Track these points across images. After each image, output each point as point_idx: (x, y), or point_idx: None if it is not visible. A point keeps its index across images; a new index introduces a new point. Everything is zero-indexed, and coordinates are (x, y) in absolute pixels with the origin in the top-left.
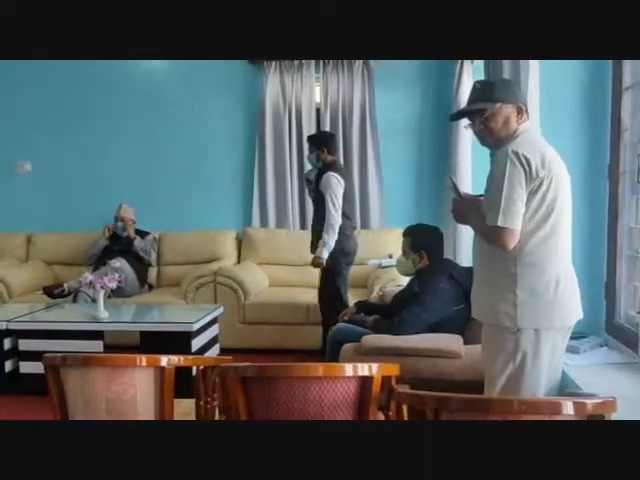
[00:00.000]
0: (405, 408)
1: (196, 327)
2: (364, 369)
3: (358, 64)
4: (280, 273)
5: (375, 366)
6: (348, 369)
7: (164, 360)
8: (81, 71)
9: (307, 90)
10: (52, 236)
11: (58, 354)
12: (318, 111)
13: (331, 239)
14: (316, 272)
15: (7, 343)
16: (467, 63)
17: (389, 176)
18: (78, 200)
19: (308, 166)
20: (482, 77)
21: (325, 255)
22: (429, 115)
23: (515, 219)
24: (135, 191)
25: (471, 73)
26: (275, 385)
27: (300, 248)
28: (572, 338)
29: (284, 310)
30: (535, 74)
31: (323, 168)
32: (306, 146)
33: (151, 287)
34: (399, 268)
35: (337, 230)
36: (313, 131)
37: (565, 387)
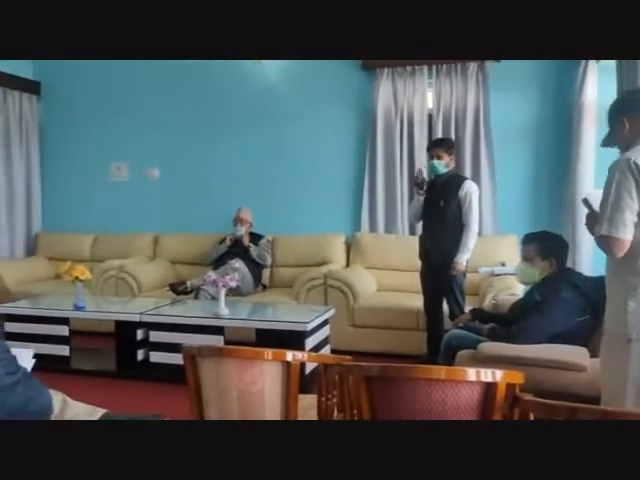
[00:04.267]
0: (532, 417)
1: (310, 327)
2: (487, 375)
3: (472, 67)
4: (388, 278)
5: (499, 372)
6: (471, 374)
7: (289, 355)
8: (201, 80)
9: (419, 95)
10: (176, 237)
11: (195, 345)
12: (430, 116)
13: (472, 245)
14: None
15: (140, 334)
16: (592, 63)
17: (503, 181)
18: (200, 203)
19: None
20: (610, 78)
21: (465, 261)
22: (548, 118)
23: (621, 228)
24: (251, 195)
25: (596, 74)
26: (397, 385)
27: (409, 253)
28: None
29: (394, 315)
30: None
31: (450, 174)
32: (418, 151)
33: (265, 287)
34: (522, 276)
35: (475, 237)
36: (425, 137)
37: None
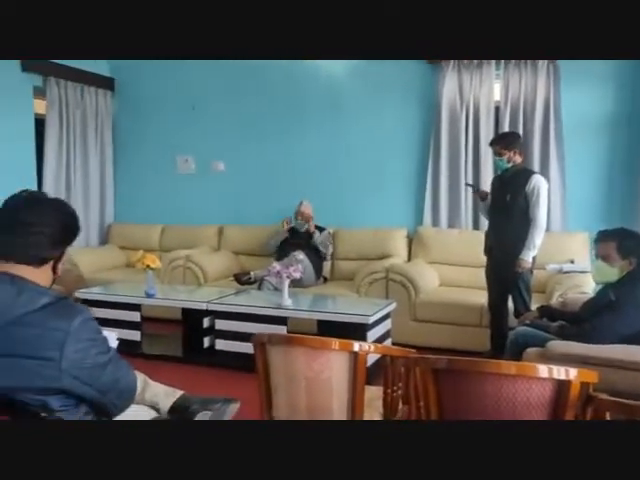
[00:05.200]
0: (607, 416)
1: (372, 320)
2: (560, 372)
3: (543, 60)
4: (450, 273)
5: (573, 371)
6: (543, 370)
7: (356, 346)
8: (268, 76)
9: (486, 88)
10: (239, 229)
11: (265, 333)
12: (497, 109)
13: (539, 242)
14: None
15: (206, 322)
16: None
17: (573, 177)
18: (263, 196)
19: (484, 166)
20: None
21: (530, 258)
22: (625, 114)
23: None
24: (314, 188)
25: None
26: (466, 379)
27: (472, 249)
28: None
29: (456, 310)
30: None
31: (517, 169)
32: (484, 144)
33: (326, 279)
34: (598, 275)
35: (542, 233)
36: (491, 130)
37: None
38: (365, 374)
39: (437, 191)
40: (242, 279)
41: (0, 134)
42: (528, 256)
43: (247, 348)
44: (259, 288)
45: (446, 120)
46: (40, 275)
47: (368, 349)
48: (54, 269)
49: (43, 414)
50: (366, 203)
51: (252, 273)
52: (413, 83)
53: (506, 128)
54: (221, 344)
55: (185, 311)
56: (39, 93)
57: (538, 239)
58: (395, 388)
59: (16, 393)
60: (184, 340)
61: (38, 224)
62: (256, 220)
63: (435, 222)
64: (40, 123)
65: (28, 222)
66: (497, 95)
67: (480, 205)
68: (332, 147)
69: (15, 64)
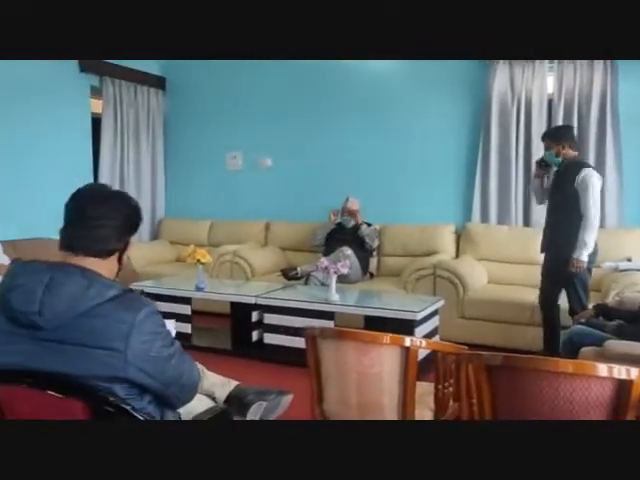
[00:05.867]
0: None
1: (420, 316)
2: (621, 372)
3: None
4: (500, 270)
5: (635, 370)
6: (602, 369)
7: (407, 341)
8: (315, 73)
9: (539, 81)
10: (286, 224)
11: (317, 327)
12: (550, 103)
13: (592, 240)
14: (539, 271)
15: (254, 315)
16: None
17: (630, 172)
18: (310, 192)
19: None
20: None
21: (585, 257)
22: None
23: None
24: (360, 184)
25: None
26: (521, 377)
27: (523, 245)
28: None
29: (506, 308)
30: None
31: (568, 163)
32: (536, 138)
33: (372, 275)
34: None
35: (595, 230)
36: (543, 124)
37: None
38: (416, 370)
39: (486, 187)
40: (289, 274)
41: (60, 132)
42: (582, 255)
43: (295, 342)
44: (306, 283)
45: (496, 114)
46: (107, 266)
47: (419, 344)
48: (119, 260)
49: (111, 399)
50: (413, 199)
51: (299, 268)
52: (462, 77)
53: (559, 122)
54: (269, 338)
55: (234, 305)
56: (95, 93)
57: (589, 237)
58: (446, 384)
59: (86, 380)
60: (232, 333)
61: (104, 217)
62: (302, 216)
63: (484, 218)
64: (96, 122)
65: (94, 216)
66: (550, 88)
67: (533, 183)
68: (379, 143)
69: (74, 65)
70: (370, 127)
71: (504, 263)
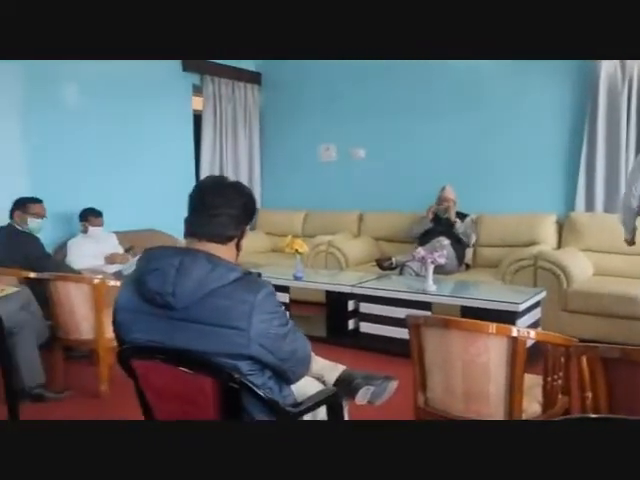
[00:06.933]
0: None
1: (522, 308)
2: None
3: None
4: (607, 262)
5: None
6: None
7: (514, 331)
8: (408, 64)
9: None
10: (379, 215)
11: (420, 315)
12: None
13: None
14: None
15: (350, 305)
16: None
17: None
18: (403, 183)
19: None
20: None
21: None
22: None
23: None
24: (455, 174)
25: None
26: None
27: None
28: None
29: (613, 301)
30: None
31: None
32: None
33: (468, 266)
34: None
35: None
36: None
37: None
38: (524, 361)
39: (592, 173)
40: (384, 264)
41: (164, 128)
42: None
43: (392, 332)
44: (400, 273)
45: (604, 97)
46: (227, 252)
47: (527, 334)
48: (237, 246)
49: (236, 375)
50: (511, 188)
51: (394, 258)
52: (564, 62)
53: None
54: (365, 327)
55: (329, 294)
56: (196, 90)
57: None
58: (555, 377)
59: (213, 356)
60: (328, 322)
61: (223, 206)
62: (395, 207)
63: (589, 207)
64: (196, 118)
65: (215, 205)
66: None
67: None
68: (474, 131)
69: (177, 64)
70: (464, 115)
71: (612, 254)
